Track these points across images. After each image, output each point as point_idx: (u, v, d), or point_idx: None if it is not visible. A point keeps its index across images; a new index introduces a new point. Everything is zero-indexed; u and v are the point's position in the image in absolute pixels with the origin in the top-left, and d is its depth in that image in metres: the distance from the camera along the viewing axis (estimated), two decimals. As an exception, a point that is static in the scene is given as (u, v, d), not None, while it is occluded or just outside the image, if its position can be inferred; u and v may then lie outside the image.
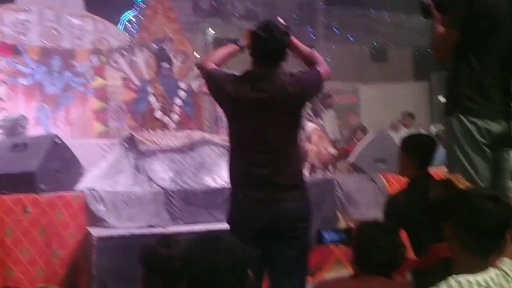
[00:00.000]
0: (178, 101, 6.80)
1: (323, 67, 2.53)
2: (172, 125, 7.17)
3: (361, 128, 8.66)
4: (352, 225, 2.44)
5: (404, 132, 9.23)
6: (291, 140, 2.45)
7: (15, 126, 6.09)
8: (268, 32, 2.39)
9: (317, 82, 2.48)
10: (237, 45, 2.56)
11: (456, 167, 2.54)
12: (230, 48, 2.59)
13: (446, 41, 2.59)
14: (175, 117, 7.10)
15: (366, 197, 5.15)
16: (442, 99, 10.98)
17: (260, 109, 2.37)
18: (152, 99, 7.17)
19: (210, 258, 1.39)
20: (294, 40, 2.55)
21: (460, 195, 1.72)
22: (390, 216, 2.64)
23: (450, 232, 1.67)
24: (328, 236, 2.42)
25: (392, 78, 14.70)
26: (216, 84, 2.47)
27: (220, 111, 10.15)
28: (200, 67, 2.60)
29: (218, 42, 15.21)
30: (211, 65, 2.51)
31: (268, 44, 2.38)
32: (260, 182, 2.38)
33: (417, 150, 2.73)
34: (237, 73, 2.57)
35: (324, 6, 16.40)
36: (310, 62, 2.58)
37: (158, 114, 7.03)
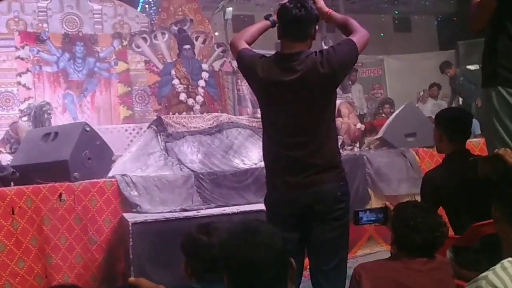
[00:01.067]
0: (201, 83, 6.78)
1: (359, 34, 2.37)
2: (197, 107, 7.18)
3: (388, 101, 8.52)
4: (388, 204, 2.39)
5: (432, 103, 9.08)
6: (326, 120, 2.36)
7: (40, 113, 6.16)
8: (295, 2, 2.31)
9: (351, 56, 2.34)
10: (269, 20, 2.48)
11: (495, 141, 2.46)
12: (261, 24, 2.50)
13: (484, 10, 2.48)
14: (200, 99, 7.09)
15: (397, 172, 5.09)
16: (471, 67, 10.73)
17: (292, 90, 2.29)
18: (176, 81, 7.16)
19: (250, 253, 1.36)
20: (330, 10, 2.44)
21: (507, 174, 1.66)
22: (427, 194, 2.60)
23: (498, 213, 1.62)
24: (365, 216, 2.40)
25: (416, 48, 14.38)
26: (247, 66, 2.40)
27: (245, 89, 10.10)
28: (232, 46, 2.48)
29: (238, 20, 15.11)
30: (243, 44, 2.43)
31: (295, 14, 2.28)
32: (295, 165, 2.32)
33: (452, 124, 2.65)
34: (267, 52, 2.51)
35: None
36: (346, 30, 2.44)
37: (183, 96, 7.03)
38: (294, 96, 2.29)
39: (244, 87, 10.49)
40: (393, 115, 5.75)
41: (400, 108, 5.62)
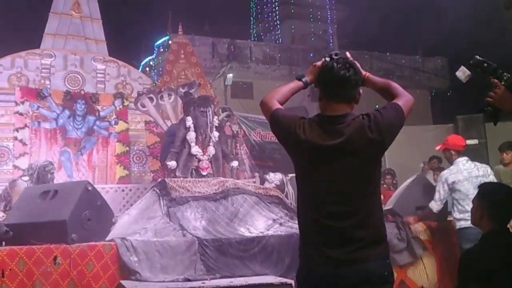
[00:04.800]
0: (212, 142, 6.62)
1: (404, 98, 2.23)
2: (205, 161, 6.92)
3: (390, 172, 8.42)
4: (424, 287, 2.19)
5: (430, 175, 8.98)
6: (372, 189, 2.17)
7: (43, 173, 5.87)
8: (343, 63, 2.20)
9: (398, 121, 2.17)
10: (301, 81, 2.36)
11: None
12: (293, 84, 2.38)
13: None
14: (212, 151, 6.85)
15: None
16: (470, 142, 10.74)
17: (337, 155, 2.12)
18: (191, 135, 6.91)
19: None
20: (367, 73, 2.33)
21: None
22: (466, 276, 2.41)
23: None
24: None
25: (411, 121, 14.55)
26: (285, 127, 2.24)
27: (243, 153, 9.94)
28: (264, 106, 2.34)
29: (237, 86, 15.33)
30: (276, 104, 2.31)
31: (344, 74, 2.17)
32: (338, 238, 2.10)
33: (497, 204, 2.50)
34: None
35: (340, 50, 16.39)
36: (388, 93, 2.30)
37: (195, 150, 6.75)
38: (339, 161, 2.12)
39: (242, 151, 10.45)
40: (403, 186, 5.60)
41: (410, 180, 5.49)
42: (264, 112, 2.35)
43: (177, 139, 6.20)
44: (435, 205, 4.89)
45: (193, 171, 6.05)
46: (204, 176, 5.97)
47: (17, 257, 3.80)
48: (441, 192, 4.90)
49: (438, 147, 5.32)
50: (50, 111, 8.55)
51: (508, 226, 2.62)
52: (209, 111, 6.33)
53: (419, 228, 5.06)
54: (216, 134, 6.43)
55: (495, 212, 2.49)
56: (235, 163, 6.51)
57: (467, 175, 4.90)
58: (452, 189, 4.86)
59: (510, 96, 2.44)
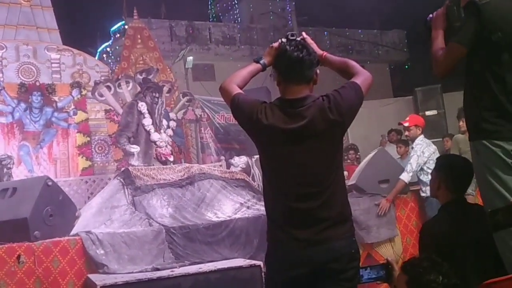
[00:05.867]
0: (169, 132, 6.52)
1: (362, 77, 2.23)
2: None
3: (353, 147, 8.53)
4: (389, 260, 2.24)
5: (391, 148, 9.15)
6: (335, 168, 2.19)
7: (-1, 168, 5.71)
8: (295, 44, 2.19)
9: (357, 100, 2.17)
10: (259, 63, 2.34)
11: (490, 192, 2.39)
12: (252, 67, 2.35)
13: (452, 56, 2.41)
14: (169, 148, 6.81)
15: (374, 219, 4.97)
16: (429, 113, 10.99)
17: (300, 138, 2.12)
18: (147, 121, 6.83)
19: None
20: (325, 53, 2.32)
21: None
22: (426, 246, 2.47)
23: None
24: (365, 274, 2.25)
25: (372, 94, 14.75)
26: (247, 112, 2.21)
27: (208, 137, 9.86)
28: (224, 91, 2.30)
29: (198, 69, 15.14)
30: (236, 89, 2.27)
31: (297, 56, 2.15)
32: (304, 219, 2.11)
33: (453, 174, 2.55)
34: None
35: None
36: (346, 73, 2.30)
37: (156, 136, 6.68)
38: (302, 144, 2.12)
39: (207, 135, 10.39)
40: (365, 161, 5.69)
41: (372, 154, 5.57)
42: (224, 98, 2.32)
43: (133, 124, 5.98)
44: (407, 177, 5.11)
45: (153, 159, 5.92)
46: (168, 162, 5.88)
47: (-22, 259, 3.71)
48: (413, 165, 5.14)
49: (406, 123, 5.49)
50: (5, 104, 8.28)
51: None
52: (160, 97, 6.25)
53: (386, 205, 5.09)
54: (173, 124, 6.40)
55: (452, 182, 2.55)
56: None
57: (433, 149, 5.25)
58: (426, 162, 5.12)
59: (444, 19, 2.50)
